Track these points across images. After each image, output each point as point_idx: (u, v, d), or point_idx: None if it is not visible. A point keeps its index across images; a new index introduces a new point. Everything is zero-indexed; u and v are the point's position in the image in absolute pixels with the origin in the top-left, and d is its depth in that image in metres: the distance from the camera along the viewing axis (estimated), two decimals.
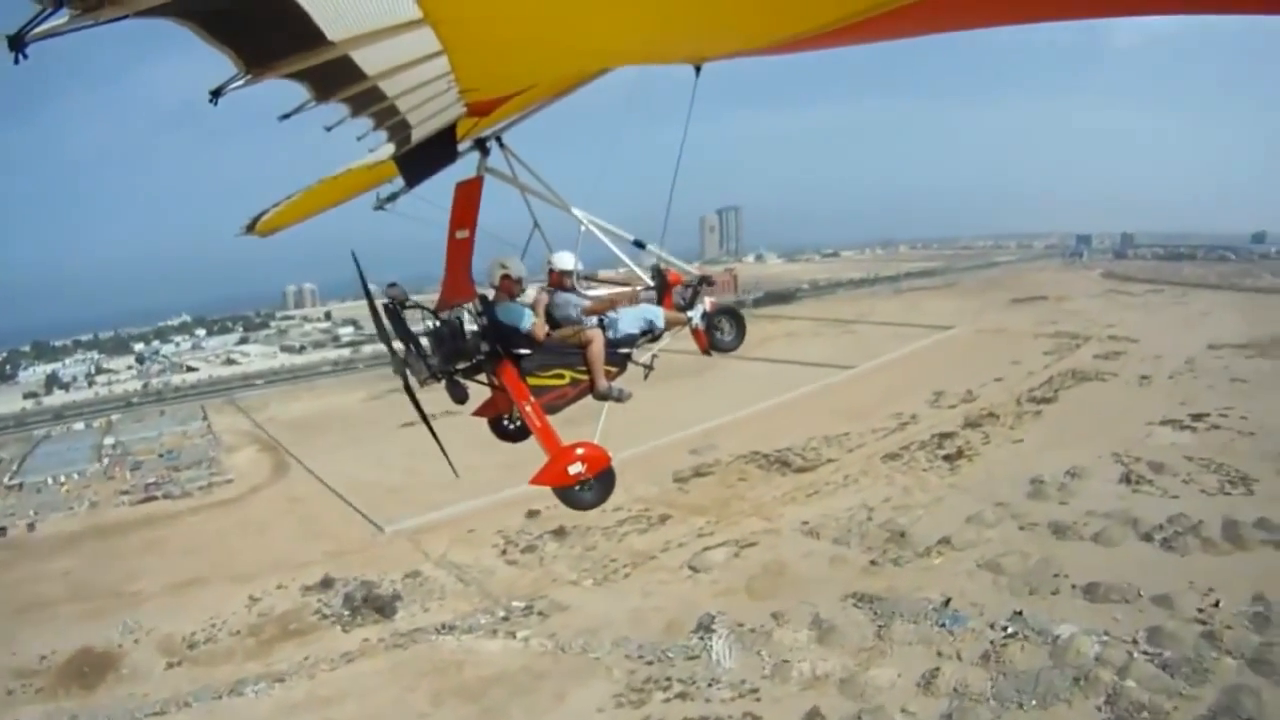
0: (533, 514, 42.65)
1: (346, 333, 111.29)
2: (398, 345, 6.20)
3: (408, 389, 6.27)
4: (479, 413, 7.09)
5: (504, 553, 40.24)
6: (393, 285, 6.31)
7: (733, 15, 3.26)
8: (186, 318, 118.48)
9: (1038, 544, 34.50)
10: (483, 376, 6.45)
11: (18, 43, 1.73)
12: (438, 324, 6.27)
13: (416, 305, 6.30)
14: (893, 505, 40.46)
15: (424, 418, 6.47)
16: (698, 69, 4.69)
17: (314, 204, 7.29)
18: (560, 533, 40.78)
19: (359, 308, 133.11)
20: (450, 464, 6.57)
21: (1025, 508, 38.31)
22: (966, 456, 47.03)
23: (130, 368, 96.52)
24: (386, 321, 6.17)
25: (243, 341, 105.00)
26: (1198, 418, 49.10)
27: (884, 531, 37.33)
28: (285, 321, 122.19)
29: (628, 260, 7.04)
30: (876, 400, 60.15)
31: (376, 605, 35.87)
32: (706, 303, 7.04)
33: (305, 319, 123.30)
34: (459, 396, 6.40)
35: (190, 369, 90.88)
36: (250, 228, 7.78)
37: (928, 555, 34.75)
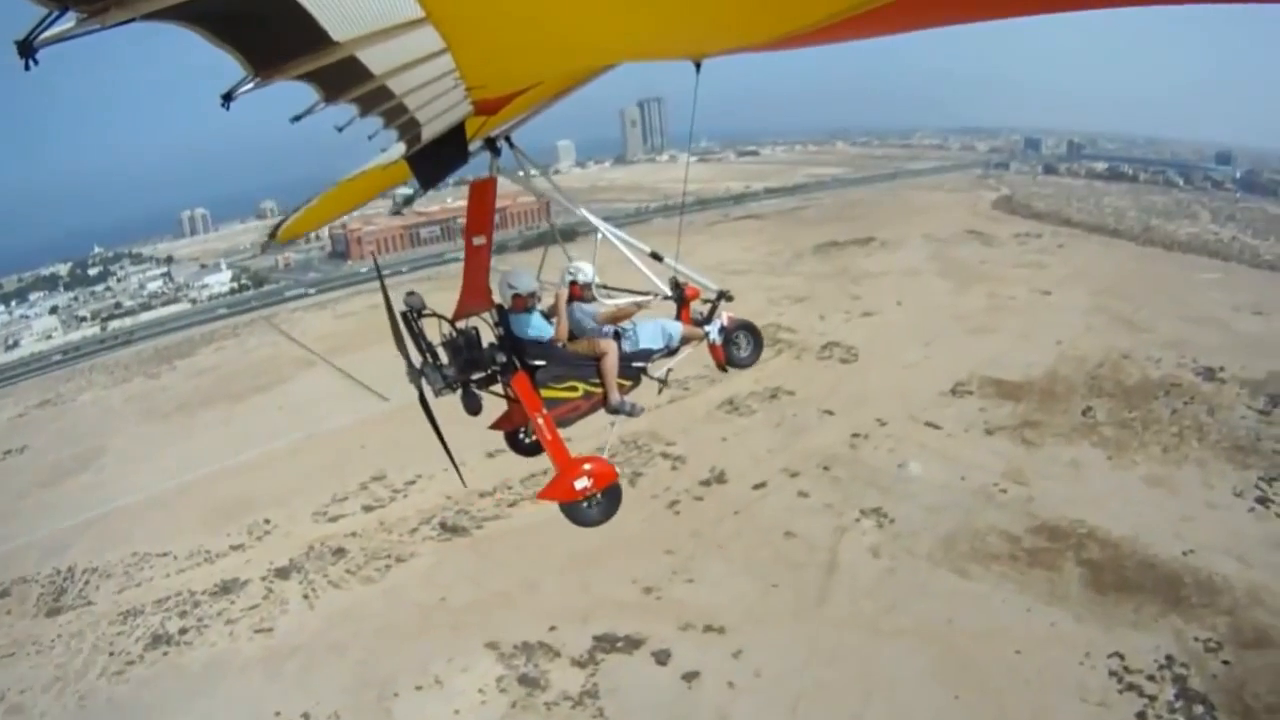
0: None
1: (155, 286, 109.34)
2: (414, 355, 6.22)
3: (422, 400, 6.28)
4: (495, 426, 7.13)
5: None
6: (411, 294, 6.30)
7: (733, 14, 3.22)
8: (59, 267, 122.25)
9: None
10: (498, 388, 6.50)
11: (26, 48, 1.74)
12: (454, 334, 6.28)
13: (434, 314, 6.30)
14: None
15: (437, 430, 6.48)
16: (698, 65, 4.51)
17: (334, 208, 7.32)
18: None
19: (223, 238, 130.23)
20: (459, 475, 7.06)
21: None
22: None
23: None
24: (404, 330, 6.15)
25: (51, 311, 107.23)
26: None
27: None
28: (137, 267, 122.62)
29: (644, 269, 6.83)
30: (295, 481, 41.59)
31: None
32: (724, 317, 7.13)
33: (155, 260, 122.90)
34: (473, 408, 6.37)
35: None
36: (271, 237, 7.79)
37: None
